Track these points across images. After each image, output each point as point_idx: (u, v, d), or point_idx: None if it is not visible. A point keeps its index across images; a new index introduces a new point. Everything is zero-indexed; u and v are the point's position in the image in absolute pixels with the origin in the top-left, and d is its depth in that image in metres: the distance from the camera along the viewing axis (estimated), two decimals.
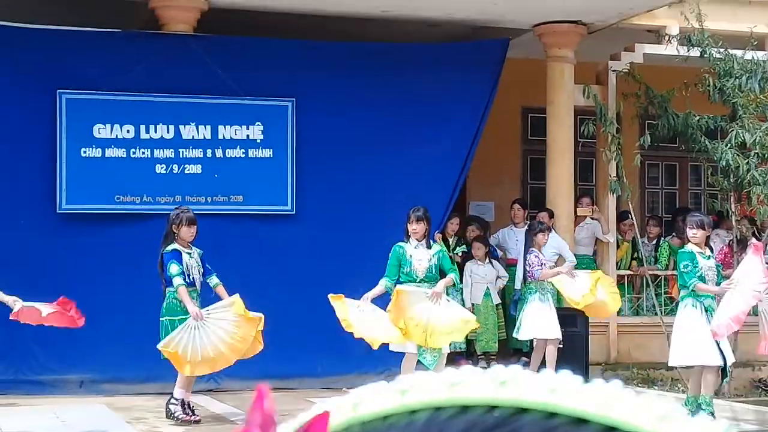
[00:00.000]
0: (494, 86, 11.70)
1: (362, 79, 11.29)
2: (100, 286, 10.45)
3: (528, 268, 10.94)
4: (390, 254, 9.56)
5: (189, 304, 8.68)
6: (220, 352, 8.72)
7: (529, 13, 11.41)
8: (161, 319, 8.92)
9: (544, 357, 10.89)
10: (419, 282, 9.66)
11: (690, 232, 9.50)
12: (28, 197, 10.50)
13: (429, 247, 9.65)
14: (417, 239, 9.58)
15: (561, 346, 10.71)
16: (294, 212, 11.23)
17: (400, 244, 9.62)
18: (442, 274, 9.59)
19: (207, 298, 9.15)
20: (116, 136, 10.70)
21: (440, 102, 11.50)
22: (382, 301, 9.44)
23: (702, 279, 9.30)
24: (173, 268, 8.74)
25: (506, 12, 11.30)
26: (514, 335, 11.02)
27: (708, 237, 9.79)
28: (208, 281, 9.06)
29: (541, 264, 10.79)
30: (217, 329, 8.74)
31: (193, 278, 8.91)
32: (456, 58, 11.66)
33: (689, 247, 9.49)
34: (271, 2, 10.88)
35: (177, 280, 8.71)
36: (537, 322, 10.60)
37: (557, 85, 12.02)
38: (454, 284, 9.99)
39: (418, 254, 9.61)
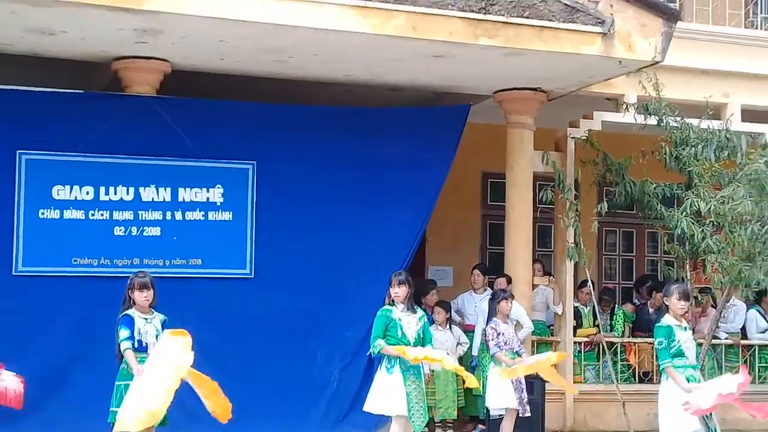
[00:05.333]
0: (453, 151, 11.78)
1: (323, 142, 11.31)
2: (54, 350, 10.31)
3: (486, 338, 10.92)
4: (375, 319, 9.67)
5: (134, 366, 8.58)
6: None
7: (490, 80, 11.52)
8: (116, 383, 8.85)
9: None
10: (411, 345, 9.71)
11: (678, 304, 9.26)
12: None
13: (414, 311, 9.76)
14: (401, 302, 9.69)
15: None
16: (252, 276, 11.18)
17: (386, 308, 9.74)
18: None
19: None
20: (75, 197, 10.63)
21: (400, 165, 11.55)
22: None
23: (680, 353, 9.17)
24: (121, 333, 8.75)
25: (467, 78, 11.42)
26: (486, 404, 10.93)
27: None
28: None
29: (498, 334, 10.67)
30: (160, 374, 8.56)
31: (146, 344, 8.83)
32: (417, 122, 11.73)
33: (666, 320, 9.18)
34: (233, 66, 10.92)
35: (124, 344, 8.71)
36: (505, 390, 10.52)
37: (517, 150, 12.11)
38: None
39: (407, 319, 9.70)
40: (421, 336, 9.70)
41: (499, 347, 10.56)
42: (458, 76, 11.33)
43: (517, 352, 10.69)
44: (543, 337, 12.75)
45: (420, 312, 9.90)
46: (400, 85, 11.75)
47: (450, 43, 10.10)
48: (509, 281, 12.01)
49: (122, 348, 8.71)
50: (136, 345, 8.74)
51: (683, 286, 9.67)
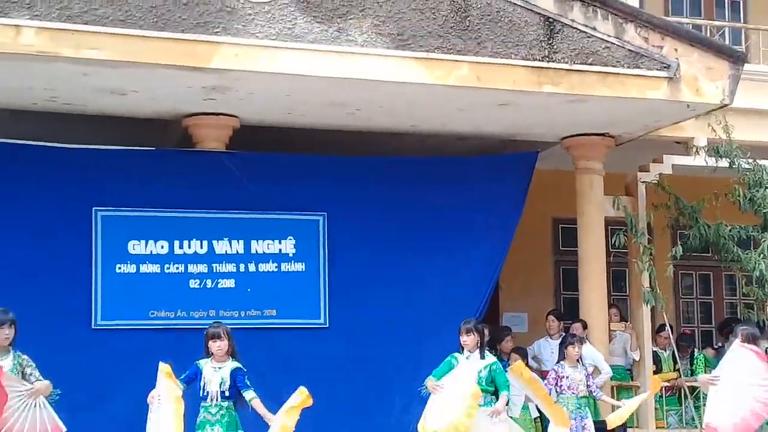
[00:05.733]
0: (523, 198, 11.80)
1: (392, 192, 11.43)
2: (133, 401, 10.44)
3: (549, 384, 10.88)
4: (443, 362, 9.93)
5: (152, 393, 9.03)
6: None
7: (556, 127, 11.56)
8: None
9: None
10: None
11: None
12: (64, 313, 10.60)
13: (483, 357, 9.82)
14: (469, 351, 9.83)
15: None
16: (327, 325, 11.29)
17: (455, 354, 9.90)
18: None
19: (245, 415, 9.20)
20: (150, 251, 10.86)
21: (470, 214, 11.60)
22: None
23: None
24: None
25: (533, 125, 11.47)
26: None
27: None
28: (244, 396, 9.10)
29: (560, 378, 10.70)
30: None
31: (207, 392, 9.03)
32: (485, 170, 11.80)
33: None
34: (300, 119, 11.12)
35: None
36: None
37: (587, 196, 12.09)
38: (507, 403, 10.06)
39: (467, 366, 9.73)
40: (483, 383, 9.71)
41: (557, 391, 10.64)
42: (524, 124, 11.39)
43: (584, 397, 10.64)
44: (623, 382, 12.63)
45: (489, 359, 9.91)
46: (467, 134, 11.83)
47: (514, 91, 10.19)
48: (585, 326, 11.96)
49: None
50: (201, 393, 9.02)
51: (749, 329, 9.59)
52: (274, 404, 9.52)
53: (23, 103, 10.49)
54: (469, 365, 9.81)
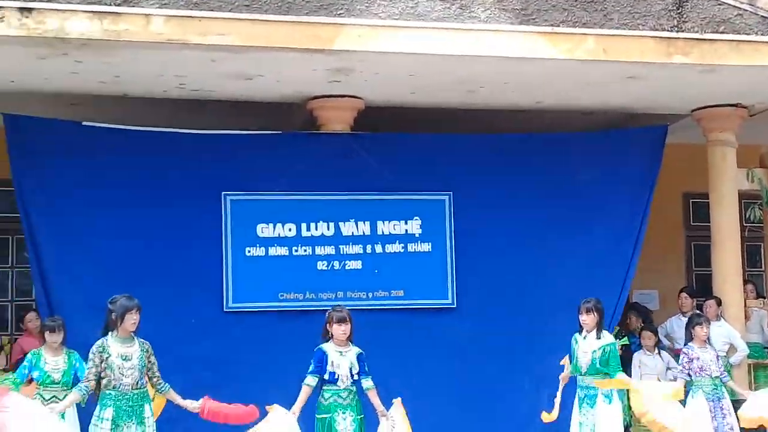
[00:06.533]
0: (655, 173, 11.55)
1: (518, 170, 11.32)
2: (264, 383, 10.55)
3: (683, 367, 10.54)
4: None
5: (298, 402, 8.86)
6: None
7: (686, 98, 11.29)
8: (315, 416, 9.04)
9: None
10: (584, 375, 9.54)
11: None
12: (197, 297, 10.77)
13: (599, 338, 9.58)
14: (587, 330, 9.61)
15: None
16: (455, 305, 11.22)
17: (575, 334, 9.74)
18: None
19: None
20: (279, 234, 10.96)
21: (599, 190, 11.42)
22: None
23: None
24: (311, 367, 8.97)
25: (661, 98, 11.22)
26: None
27: None
28: (362, 382, 9.06)
29: (691, 360, 10.29)
30: None
31: (338, 377, 8.97)
32: (614, 145, 11.59)
33: None
34: (424, 99, 11.08)
35: (307, 379, 8.94)
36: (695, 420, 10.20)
37: (719, 169, 11.79)
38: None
39: (584, 345, 9.59)
40: (597, 364, 9.48)
41: (690, 375, 10.27)
42: (653, 96, 11.15)
43: (718, 377, 10.32)
44: (760, 360, 12.34)
45: (606, 338, 9.65)
46: (592, 108, 11.65)
47: (643, 63, 9.95)
48: (719, 303, 11.70)
49: (304, 381, 8.97)
50: (327, 377, 8.93)
51: None
52: (402, 387, 9.53)
53: (154, 91, 10.66)
54: (586, 344, 9.62)
